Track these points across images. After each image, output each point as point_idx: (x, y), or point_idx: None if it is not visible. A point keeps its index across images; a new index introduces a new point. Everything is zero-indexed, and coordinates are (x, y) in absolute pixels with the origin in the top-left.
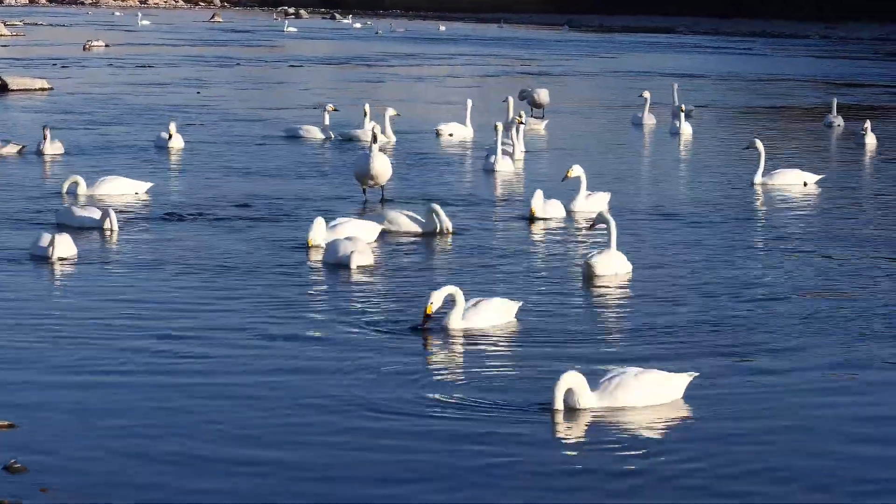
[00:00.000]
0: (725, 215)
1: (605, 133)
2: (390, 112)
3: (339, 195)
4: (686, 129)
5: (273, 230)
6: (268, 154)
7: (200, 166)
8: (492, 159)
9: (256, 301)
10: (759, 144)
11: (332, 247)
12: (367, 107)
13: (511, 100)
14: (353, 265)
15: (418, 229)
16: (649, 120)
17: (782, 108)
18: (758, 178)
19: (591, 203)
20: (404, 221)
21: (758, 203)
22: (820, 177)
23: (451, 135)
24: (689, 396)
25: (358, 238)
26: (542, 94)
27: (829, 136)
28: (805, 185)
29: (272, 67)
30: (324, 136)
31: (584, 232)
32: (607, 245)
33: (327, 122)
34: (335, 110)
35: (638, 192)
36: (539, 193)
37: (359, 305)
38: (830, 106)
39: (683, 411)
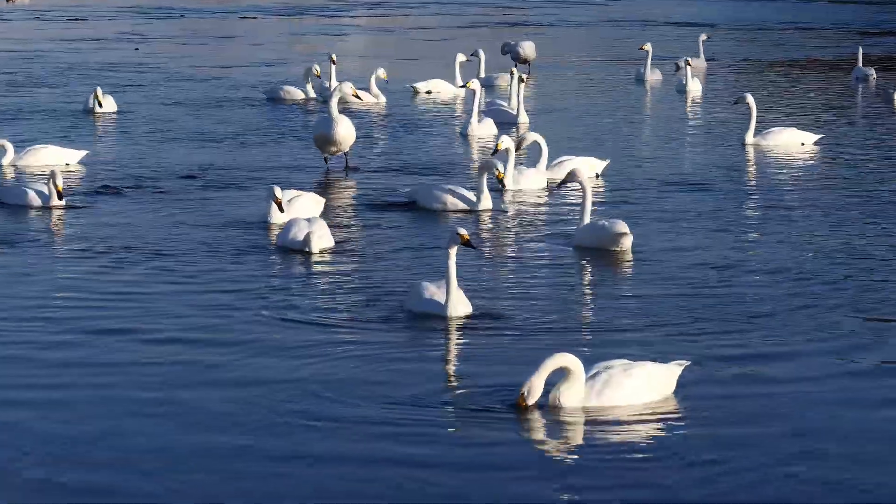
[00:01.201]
0: (713, 180)
1: (602, 92)
2: (380, 72)
3: (298, 164)
4: (694, 85)
5: (221, 206)
6: (217, 118)
7: (139, 133)
8: (471, 124)
9: (201, 291)
10: (750, 99)
11: (287, 228)
12: (316, 68)
13: (482, 53)
14: (315, 249)
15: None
16: (653, 76)
17: (807, 60)
18: (749, 138)
19: (555, 173)
20: (451, 200)
21: (748, 166)
22: (819, 136)
23: (428, 92)
24: (680, 389)
25: (317, 218)
26: (528, 48)
27: (856, 91)
28: (803, 145)
29: (220, 19)
30: (307, 96)
31: (546, 210)
32: (581, 217)
33: (311, 89)
34: (319, 76)
35: (632, 157)
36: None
37: (320, 297)
38: (856, 57)
39: (674, 408)
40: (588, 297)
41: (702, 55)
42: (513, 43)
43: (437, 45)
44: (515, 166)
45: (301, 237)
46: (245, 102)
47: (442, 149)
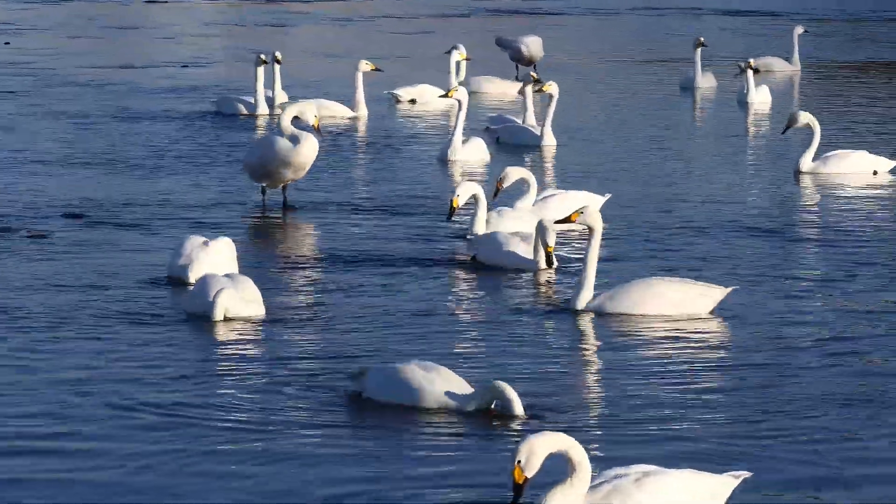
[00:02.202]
0: (760, 215)
1: (634, 104)
2: (364, 66)
3: (221, 199)
4: (759, 96)
5: (113, 254)
6: (115, 137)
7: (5, 157)
8: (452, 146)
9: (63, 380)
10: (808, 117)
11: (197, 287)
12: (277, 55)
13: (459, 52)
14: (217, 316)
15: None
16: (705, 82)
17: None
18: (805, 163)
19: (541, 211)
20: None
21: (798, 200)
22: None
23: (413, 101)
24: None
25: (238, 275)
26: (532, 45)
27: None
28: (875, 174)
29: (120, 4)
30: (261, 111)
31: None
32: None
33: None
34: (278, 61)
35: (663, 191)
36: (469, 187)
37: (224, 389)
38: None
39: None
40: (625, 382)
41: (796, 55)
42: (510, 39)
43: (411, 39)
44: (495, 206)
45: (210, 300)
46: (153, 116)
47: (414, 178)
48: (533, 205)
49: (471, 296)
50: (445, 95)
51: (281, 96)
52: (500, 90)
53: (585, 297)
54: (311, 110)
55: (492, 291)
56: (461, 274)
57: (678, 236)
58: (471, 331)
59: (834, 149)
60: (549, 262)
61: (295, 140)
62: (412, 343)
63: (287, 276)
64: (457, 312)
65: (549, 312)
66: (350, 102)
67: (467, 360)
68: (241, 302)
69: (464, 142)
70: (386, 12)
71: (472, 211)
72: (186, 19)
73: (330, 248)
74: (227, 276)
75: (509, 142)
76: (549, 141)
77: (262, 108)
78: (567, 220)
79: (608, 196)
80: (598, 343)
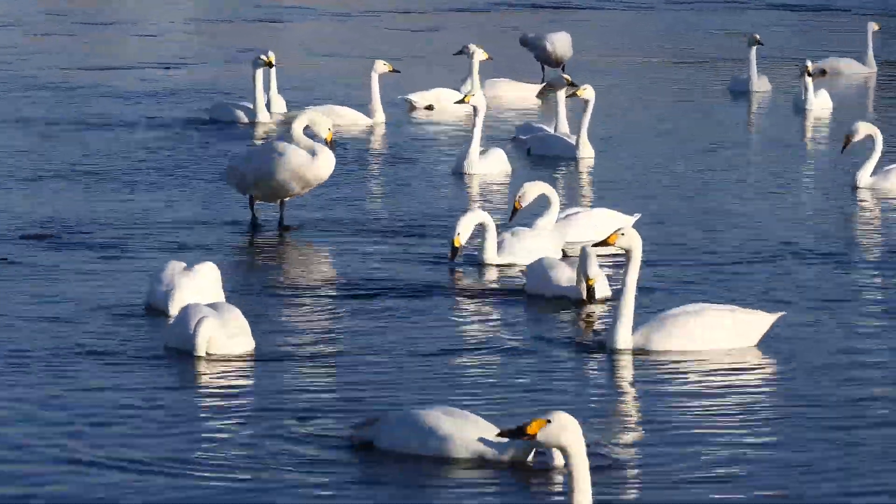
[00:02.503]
0: (813, 234)
1: (676, 109)
2: (381, 67)
3: (203, 216)
4: (818, 101)
5: (80, 281)
6: (87, 148)
7: None
8: (468, 157)
9: (20, 433)
10: (868, 128)
11: (178, 319)
12: (270, 55)
13: (479, 51)
14: (199, 351)
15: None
16: (760, 86)
17: None
18: (863, 178)
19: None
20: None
21: (860, 217)
22: None
23: (430, 107)
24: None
25: (225, 304)
26: (559, 43)
27: None
28: None
29: None
30: (262, 118)
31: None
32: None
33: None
34: (270, 64)
35: (710, 209)
36: (472, 217)
37: (199, 442)
38: None
39: None
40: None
41: (870, 54)
42: (533, 35)
43: (419, 37)
44: (508, 229)
45: (192, 332)
46: (129, 123)
47: (428, 195)
48: (555, 223)
49: (491, 330)
50: (461, 101)
51: (277, 102)
52: (517, 94)
53: (624, 335)
54: (324, 122)
55: (515, 324)
56: (479, 305)
57: (722, 258)
58: (492, 369)
59: None
60: (591, 297)
61: (311, 152)
62: (428, 383)
63: (281, 307)
64: (477, 349)
65: (583, 350)
66: (365, 108)
67: (488, 404)
68: (227, 335)
69: (482, 153)
70: (391, 6)
71: (485, 237)
72: (168, 15)
73: (331, 274)
74: (211, 305)
75: (541, 153)
76: (586, 152)
77: (264, 116)
78: (605, 242)
79: (637, 216)
80: (639, 382)
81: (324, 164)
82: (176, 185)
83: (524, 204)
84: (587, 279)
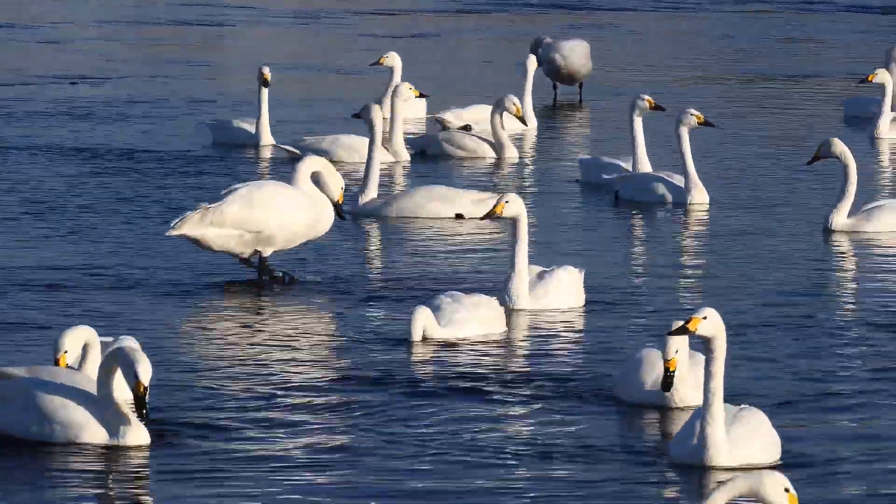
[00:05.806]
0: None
1: (789, 137)
2: (406, 92)
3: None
4: None
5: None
6: (21, 175)
7: None
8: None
9: None
10: (839, 146)
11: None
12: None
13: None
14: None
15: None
16: (891, 129)
17: None
18: (838, 220)
19: None
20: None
21: (832, 263)
22: None
23: (467, 128)
24: None
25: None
26: (574, 54)
27: None
28: None
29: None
30: (265, 141)
31: None
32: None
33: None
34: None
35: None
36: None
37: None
38: None
39: None
40: None
41: None
42: (548, 41)
43: (423, 44)
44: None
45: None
46: (32, 150)
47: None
48: None
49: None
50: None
51: (265, 133)
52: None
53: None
54: (337, 180)
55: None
56: (500, 390)
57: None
58: (520, 471)
59: None
60: (668, 385)
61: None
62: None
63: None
64: (494, 446)
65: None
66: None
67: None
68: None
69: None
70: (361, 6)
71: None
72: (79, 15)
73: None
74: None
75: (635, 198)
76: (700, 197)
77: (267, 139)
78: (683, 329)
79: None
80: None
81: (326, 224)
82: (96, 228)
83: (506, 215)
84: (665, 362)
